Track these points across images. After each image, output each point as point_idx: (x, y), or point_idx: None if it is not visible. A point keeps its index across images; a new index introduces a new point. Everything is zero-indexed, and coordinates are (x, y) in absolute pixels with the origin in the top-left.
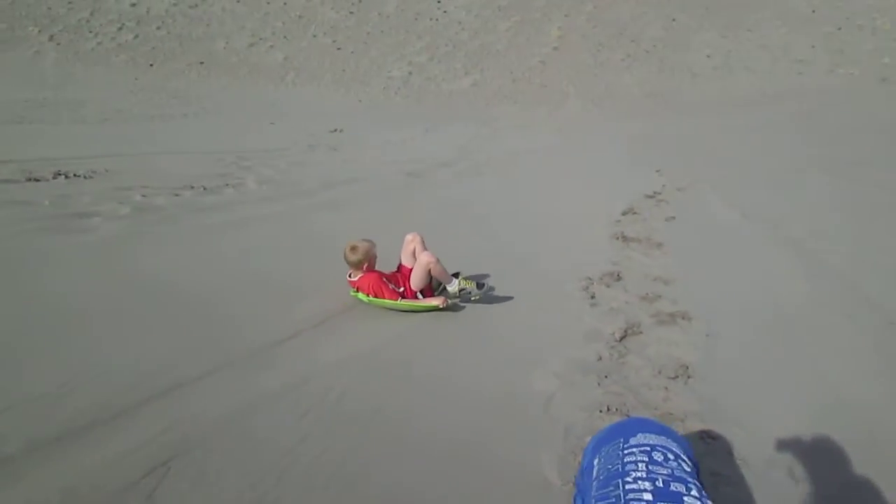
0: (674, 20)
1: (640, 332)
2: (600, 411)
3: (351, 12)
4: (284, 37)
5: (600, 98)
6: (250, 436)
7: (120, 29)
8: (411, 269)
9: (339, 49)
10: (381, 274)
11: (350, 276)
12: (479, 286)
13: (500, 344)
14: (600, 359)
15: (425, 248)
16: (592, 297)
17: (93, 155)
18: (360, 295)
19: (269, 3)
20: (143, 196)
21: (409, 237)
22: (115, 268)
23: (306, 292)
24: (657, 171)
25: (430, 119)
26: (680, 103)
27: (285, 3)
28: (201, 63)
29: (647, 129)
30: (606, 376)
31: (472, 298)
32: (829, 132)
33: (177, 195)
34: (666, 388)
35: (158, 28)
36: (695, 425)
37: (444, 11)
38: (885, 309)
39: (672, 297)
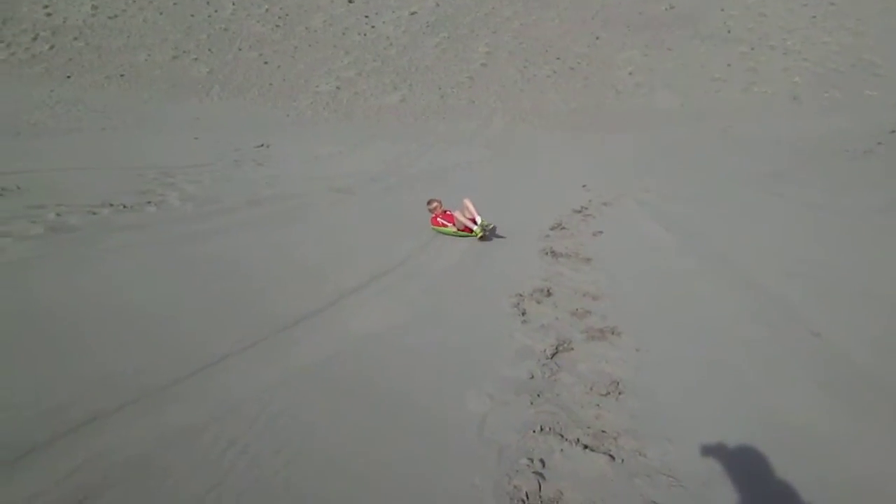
0: (597, 38)
1: (572, 349)
2: (533, 431)
3: (277, 26)
4: (209, 50)
5: (527, 114)
6: (170, 472)
7: (34, 39)
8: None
9: (265, 63)
10: (437, 215)
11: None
12: (488, 227)
13: (434, 365)
14: (532, 377)
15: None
16: (523, 314)
17: (3, 171)
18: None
19: (192, 15)
20: (58, 215)
21: (466, 201)
22: (22, 292)
23: (233, 314)
24: (584, 185)
25: (359, 134)
26: (604, 119)
27: (210, 16)
28: (122, 75)
29: (573, 144)
30: (539, 395)
31: (490, 229)
32: (747, 147)
33: (94, 213)
34: (598, 406)
35: (76, 39)
36: (628, 443)
37: (372, 27)
38: (806, 319)
39: (602, 312)
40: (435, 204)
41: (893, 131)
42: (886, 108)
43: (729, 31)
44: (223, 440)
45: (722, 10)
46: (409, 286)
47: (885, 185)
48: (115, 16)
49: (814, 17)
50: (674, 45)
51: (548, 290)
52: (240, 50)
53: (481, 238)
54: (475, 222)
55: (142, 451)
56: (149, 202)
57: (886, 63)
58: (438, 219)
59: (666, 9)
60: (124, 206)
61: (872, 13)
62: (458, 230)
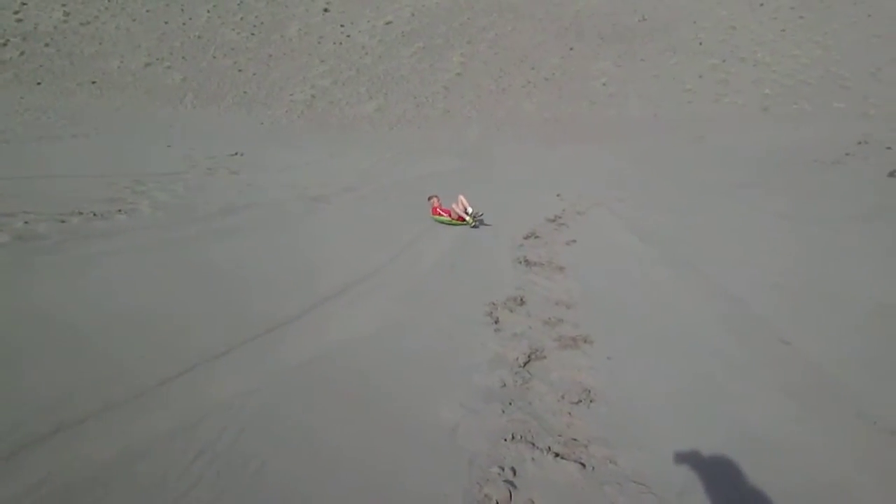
0: (571, 49)
1: (544, 357)
2: (505, 440)
3: (252, 34)
4: (183, 57)
5: (502, 123)
6: (138, 482)
7: (4, 45)
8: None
9: (240, 71)
10: (436, 207)
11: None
12: (478, 216)
13: (406, 373)
14: (504, 385)
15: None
16: (496, 322)
17: None
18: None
19: (166, 22)
20: (26, 223)
21: (461, 196)
22: None
23: (201, 324)
24: (558, 194)
25: (334, 143)
26: (578, 129)
27: (184, 24)
28: (93, 82)
29: (547, 154)
30: (511, 403)
31: (479, 218)
32: (718, 157)
33: (63, 221)
34: (569, 414)
35: (47, 45)
36: (598, 451)
37: (348, 35)
38: (773, 326)
39: (574, 320)
40: (434, 199)
41: (861, 142)
42: (854, 119)
43: (700, 44)
44: (192, 450)
45: (694, 22)
46: (382, 295)
47: (853, 195)
48: (88, 22)
49: (783, 30)
50: (647, 57)
51: (521, 299)
52: (214, 58)
53: (473, 226)
54: (467, 213)
55: (107, 463)
56: (120, 210)
57: (854, 76)
58: (438, 210)
59: (639, 21)
60: (94, 215)
61: (840, 27)
62: (453, 219)
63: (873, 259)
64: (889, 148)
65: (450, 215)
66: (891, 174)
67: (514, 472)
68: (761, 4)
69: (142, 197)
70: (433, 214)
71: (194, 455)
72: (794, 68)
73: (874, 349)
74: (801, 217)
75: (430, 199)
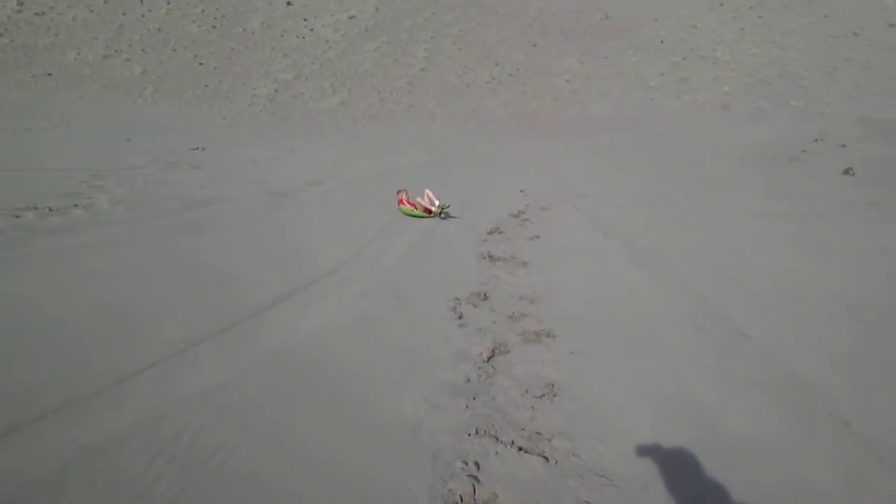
0: (535, 45)
1: (508, 352)
2: (469, 434)
3: (213, 27)
4: (142, 50)
5: (466, 119)
6: (97, 481)
7: None
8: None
9: (201, 64)
10: (401, 198)
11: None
12: (445, 207)
13: (369, 369)
14: (468, 380)
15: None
16: (460, 318)
17: None
18: (400, 208)
19: (124, 13)
20: None
21: (427, 191)
22: None
23: (161, 320)
24: (521, 190)
25: (297, 137)
26: (542, 125)
27: (143, 15)
28: (49, 74)
29: (511, 149)
30: (474, 398)
31: (446, 209)
32: (679, 154)
33: (17, 217)
34: (533, 408)
35: (0, 35)
36: (562, 444)
37: (311, 30)
38: (733, 321)
39: (538, 315)
40: (402, 193)
41: (817, 140)
42: (811, 117)
43: (662, 42)
44: (150, 450)
45: (655, 20)
46: (348, 289)
47: (811, 192)
48: (43, 13)
49: (742, 29)
50: (609, 54)
51: (485, 294)
52: (174, 50)
53: (441, 217)
54: (434, 204)
55: (61, 464)
56: (76, 205)
57: (810, 75)
58: (405, 201)
59: (601, 18)
60: (50, 210)
61: (797, 27)
62: (420, 211)
63: (833, 255)
64: (843, 146)
65: (415, 208)
66: (845, 171)
67: (478, 467)
68: (721, 4)
69: (99, 192)
70: (399, 205)
71: (156, 451)
72: (752, 67)
73: (837, 344)
74: (761, 213)
75: (398, 192)
